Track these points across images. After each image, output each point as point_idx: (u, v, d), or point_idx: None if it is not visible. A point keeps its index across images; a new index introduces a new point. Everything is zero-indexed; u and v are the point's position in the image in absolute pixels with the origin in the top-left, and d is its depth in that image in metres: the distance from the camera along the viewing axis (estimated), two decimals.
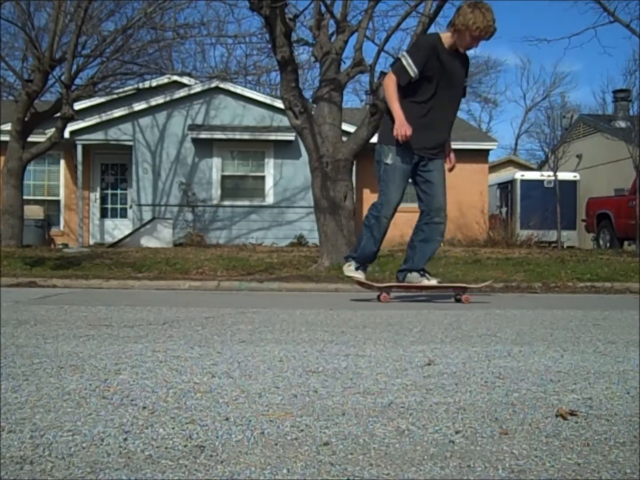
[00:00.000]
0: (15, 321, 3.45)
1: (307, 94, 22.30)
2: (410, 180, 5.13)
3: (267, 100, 17.36)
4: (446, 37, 4.87)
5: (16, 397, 1.79)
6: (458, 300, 5.13)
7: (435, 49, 4.81)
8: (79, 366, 2.23)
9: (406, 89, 4.85)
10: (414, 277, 5.13)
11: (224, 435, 1.47)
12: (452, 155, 5.21)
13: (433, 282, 5.18)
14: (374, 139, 5.32)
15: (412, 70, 4.77)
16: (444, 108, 4.97)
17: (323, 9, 9.20)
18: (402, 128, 4.75)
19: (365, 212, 5.40)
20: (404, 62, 4.78)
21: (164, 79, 17.77)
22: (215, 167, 17.37)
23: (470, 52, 5.03)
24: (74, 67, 13.61)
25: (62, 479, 1.20)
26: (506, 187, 21.36)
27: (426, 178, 5.05)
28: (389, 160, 4.94)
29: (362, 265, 5.15)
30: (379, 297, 5.08)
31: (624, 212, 15.69)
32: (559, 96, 37.97)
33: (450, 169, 5.25)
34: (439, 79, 4.85)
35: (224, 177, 17.41)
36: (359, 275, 5.14)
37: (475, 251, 11.64)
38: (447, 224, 5.17)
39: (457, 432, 1.51)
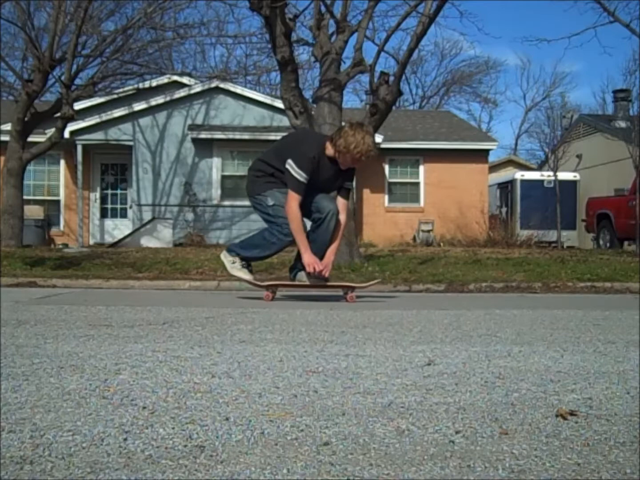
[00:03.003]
0: (15, 321, 3.45)
1: (307, 94, 22.33)
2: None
3: (267, 100, 17.36)
4: (329, 149, 5.02)
5: (16, 397, 1.79)
6: (345, 300, 5.17)
7: (317, 160, 4.99)
8: (79, 366, 2.23)
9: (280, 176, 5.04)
10: (302, 276, 5.28)
11: (224, 435, 1.47)
12: (328, 263, 5.17)
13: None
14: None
15: (305, 180, 4.94)
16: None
17: (323, 9, 9.21)
18: (315, 265, 5.00)
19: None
20: (300, 179, 4.91)
21: (164, 79, 17.76)
22: (215, 167, 17.37)
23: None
24: (74, 67, 13.61)
25: (62, 479, 1.20)
26: (506, 187, 21.36)
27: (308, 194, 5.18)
28: (270, 202, 5.08)
29: (247, 263, 5.30)
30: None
31: (624, 212, 15.69)
32: (559, 96, 38.00)
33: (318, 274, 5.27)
34: (316, 176, 5.02)
35: (224, 177, 17.41)
36: (247, 276, 5.30)
37: (475, 251, 11.64)
38: (332, 223, 5.11)
39: (457, 432, 1.51)
